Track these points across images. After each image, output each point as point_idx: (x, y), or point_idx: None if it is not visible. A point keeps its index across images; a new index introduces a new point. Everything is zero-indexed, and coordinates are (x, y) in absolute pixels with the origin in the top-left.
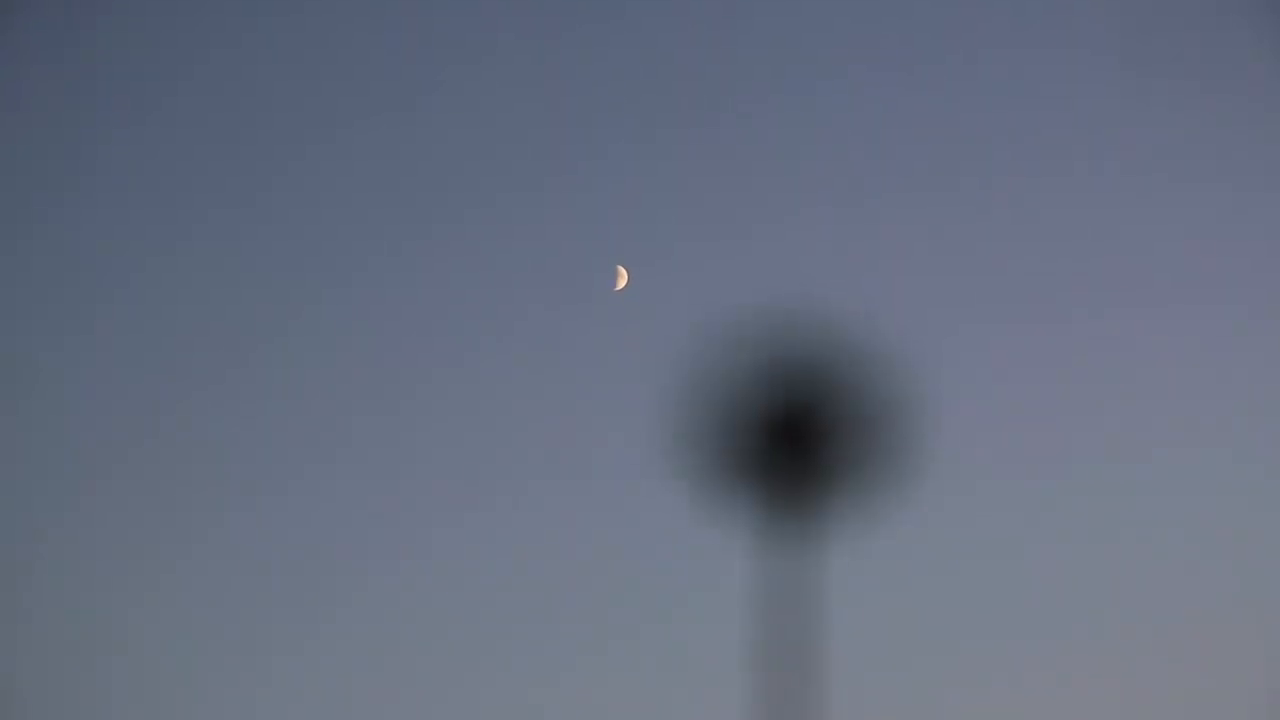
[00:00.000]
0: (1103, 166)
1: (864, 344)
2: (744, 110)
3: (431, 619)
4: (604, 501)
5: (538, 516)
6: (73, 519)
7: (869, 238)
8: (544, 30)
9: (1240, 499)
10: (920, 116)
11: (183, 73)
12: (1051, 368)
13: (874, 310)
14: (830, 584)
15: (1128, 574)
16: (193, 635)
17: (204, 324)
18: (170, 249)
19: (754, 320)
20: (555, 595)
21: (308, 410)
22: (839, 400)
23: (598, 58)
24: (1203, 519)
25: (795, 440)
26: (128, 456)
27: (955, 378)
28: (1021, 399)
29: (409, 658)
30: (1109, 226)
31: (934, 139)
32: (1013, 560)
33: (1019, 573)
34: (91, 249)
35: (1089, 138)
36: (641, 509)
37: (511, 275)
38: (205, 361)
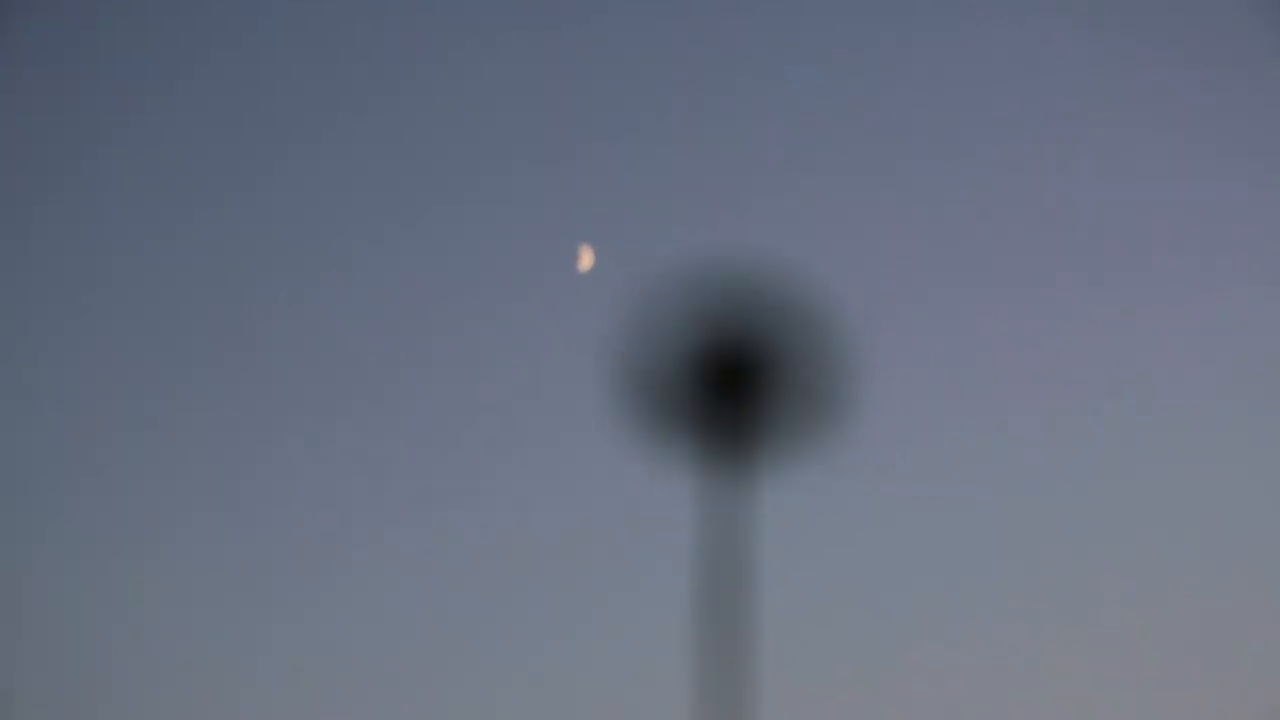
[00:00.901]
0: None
1: (802, 296)
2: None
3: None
4: (547, 457)
5: (480, 469)
6: (67, 516)
7: (813, 190)
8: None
9: (1188, 451)
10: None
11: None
12: (998, 321)
13: (813, 262)
14: (768, 531)
15: (1067, 527)
16: (163, 638)
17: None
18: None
19: (692, 275)
20: (499, 547)
21: (271, 396)
22: (777, 349)
23: (551, 39)
24: (1151, 473)
25: (733, 389)
26: (121, 454)
27: (897, 329)
28: (970, 350)
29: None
30: (1057, 185)
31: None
32: (950, 511)
33: (957, 524)
34: (85, 245)
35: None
36: (584, 460)
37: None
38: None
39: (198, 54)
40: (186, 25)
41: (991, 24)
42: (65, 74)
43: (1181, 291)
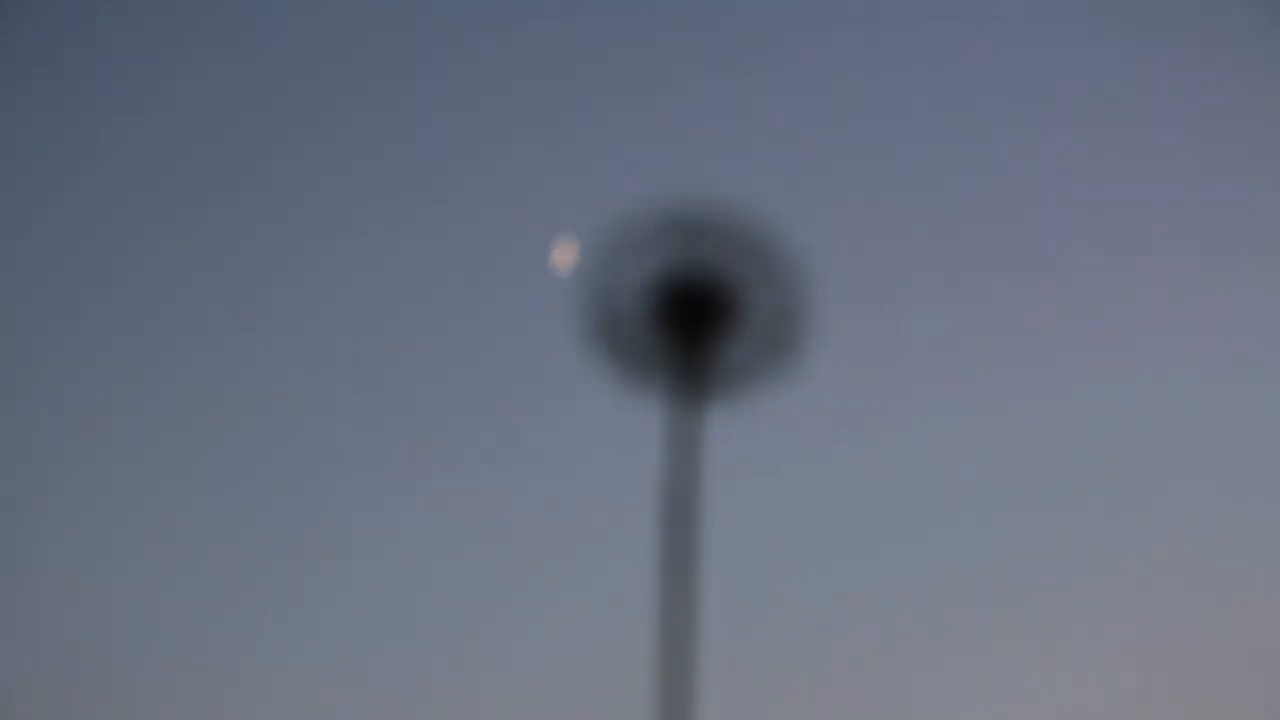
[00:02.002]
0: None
1: (771, 244)
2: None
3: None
4: (524, 385)
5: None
6: (66, 517)
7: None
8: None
9: (1136, 415)
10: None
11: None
12: (952, 264)
13: (771, 204)
14: (719, 457)
15: (995, 491)
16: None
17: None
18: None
19: (660, 213)
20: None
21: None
22: (740, 293)
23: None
24: (1100, 436)
25: (696, 326)
26: (117, 455)
27: (879, 309)
28: (935, 323)
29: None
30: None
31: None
32: (894, 451)
33: (898, 462)
34: (80, 245)
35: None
36: (558, 392)
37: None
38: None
39: (181, 51)
40: (167, 21)
41: (989, 20)
42: (60, 73)
43: (1170, 284)
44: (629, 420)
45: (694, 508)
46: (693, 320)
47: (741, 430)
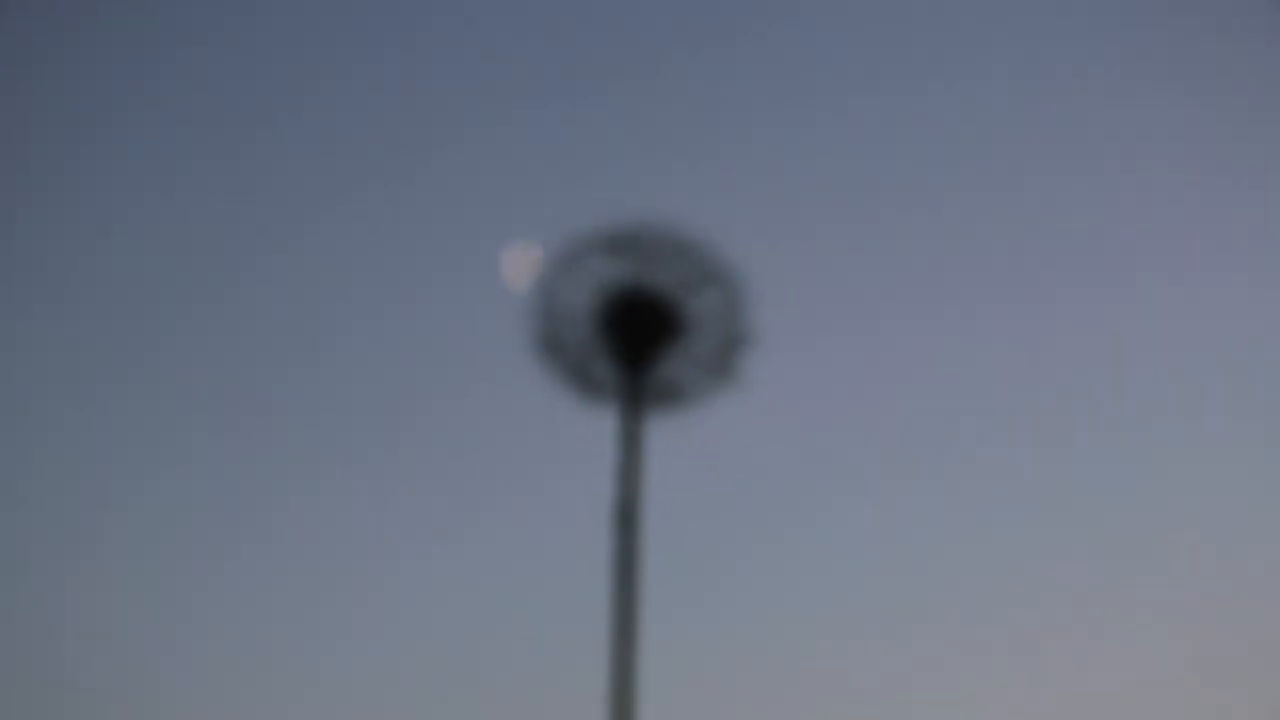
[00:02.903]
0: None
1: (716, 261)
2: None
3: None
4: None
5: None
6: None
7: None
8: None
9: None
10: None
11: None
12: (884, 276)
13: (712, 221)
14: (661, 461)
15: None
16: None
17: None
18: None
19: (608, 229)
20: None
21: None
22: (678, 300)
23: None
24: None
25: (641, 336)
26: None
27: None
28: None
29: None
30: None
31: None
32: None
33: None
34: (93, 249)
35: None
36: (515, 402)
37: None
38: None
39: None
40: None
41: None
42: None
43: (1163, 286)
44: (579, 429)
45: (639, 514)
46: (636, 334)
47: (686, 441)
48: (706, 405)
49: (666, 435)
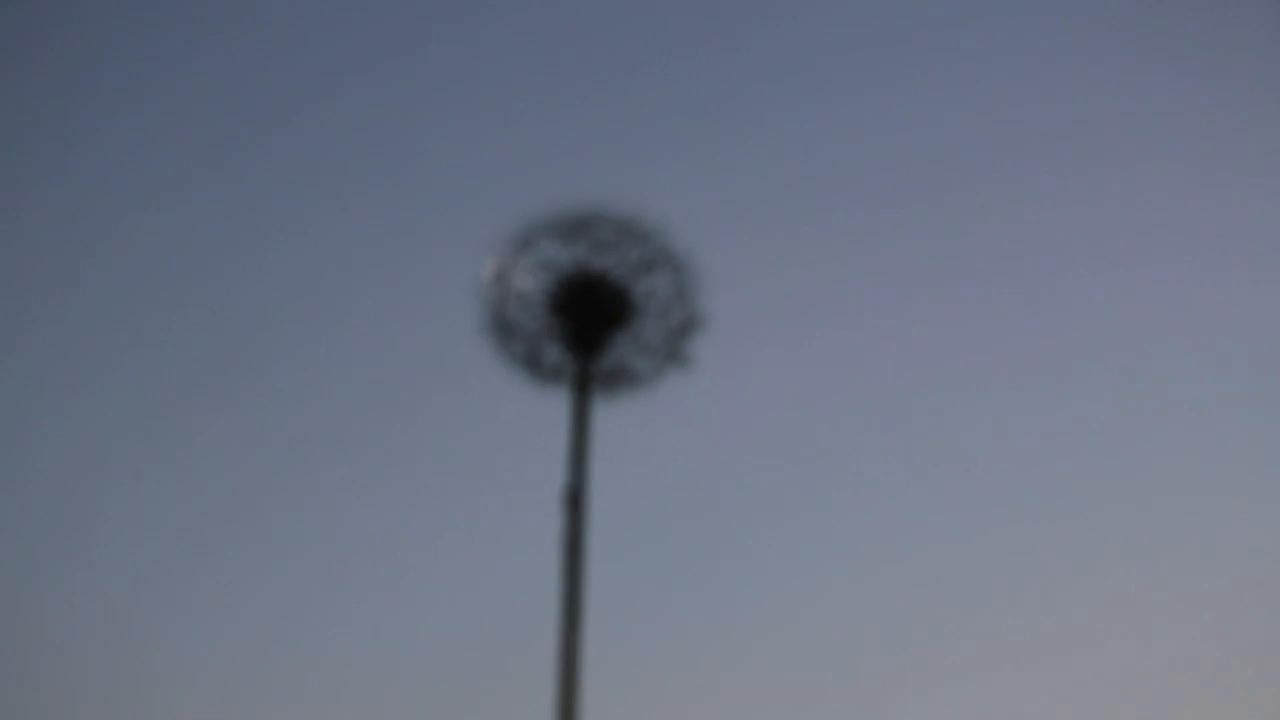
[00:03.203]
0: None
1: (666, 249)
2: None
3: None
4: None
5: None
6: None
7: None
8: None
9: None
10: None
11: None
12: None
13: (665, 210)
14: (609, 442)
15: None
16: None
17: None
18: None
19: (560, 212)
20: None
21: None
22: (630, 283)
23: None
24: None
25: (591, 318)
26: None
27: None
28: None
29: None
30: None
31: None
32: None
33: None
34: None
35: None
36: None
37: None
38: None
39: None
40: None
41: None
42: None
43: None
44: (530, 413)
45: (586, 497)
46: (587, 317)
47: (635, 425)
48: (657, 389)
49: (617, 419)
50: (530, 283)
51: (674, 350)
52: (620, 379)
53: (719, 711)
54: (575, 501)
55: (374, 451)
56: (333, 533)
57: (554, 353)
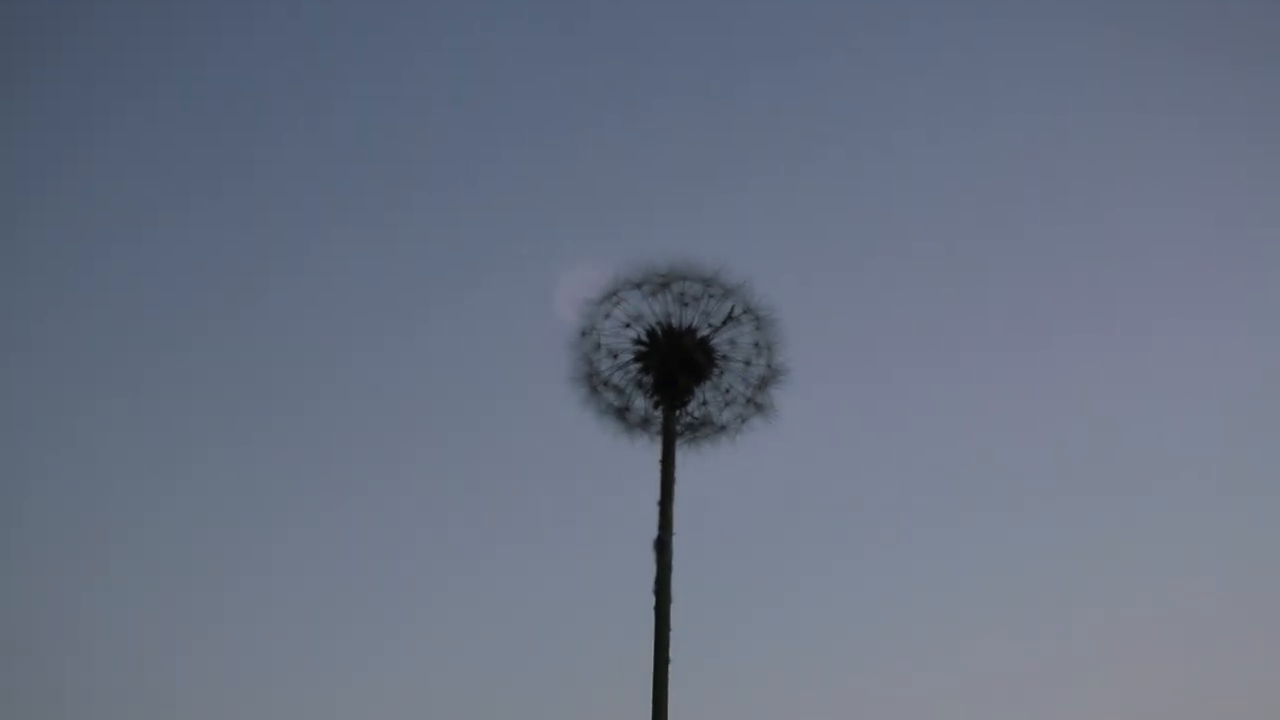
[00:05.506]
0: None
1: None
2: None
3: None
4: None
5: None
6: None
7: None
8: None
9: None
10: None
11: None
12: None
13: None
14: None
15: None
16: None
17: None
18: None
19: (648, 266)
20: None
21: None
22: (713, 342)
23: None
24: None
25: (681, 374)
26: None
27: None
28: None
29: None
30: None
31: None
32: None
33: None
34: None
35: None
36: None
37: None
38: None
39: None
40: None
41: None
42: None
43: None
44: (617, 458)
45: (671, 541)
46: (673, 370)
47: (719, 473)
48: (741, 437)
49: (702, 466)
50: (618, 336)
51: (757, 400)
52: (705, 429)
53: None
54: (664, 546)
55: (478, 499)
56: (435, 568)
57: (642, 404)
